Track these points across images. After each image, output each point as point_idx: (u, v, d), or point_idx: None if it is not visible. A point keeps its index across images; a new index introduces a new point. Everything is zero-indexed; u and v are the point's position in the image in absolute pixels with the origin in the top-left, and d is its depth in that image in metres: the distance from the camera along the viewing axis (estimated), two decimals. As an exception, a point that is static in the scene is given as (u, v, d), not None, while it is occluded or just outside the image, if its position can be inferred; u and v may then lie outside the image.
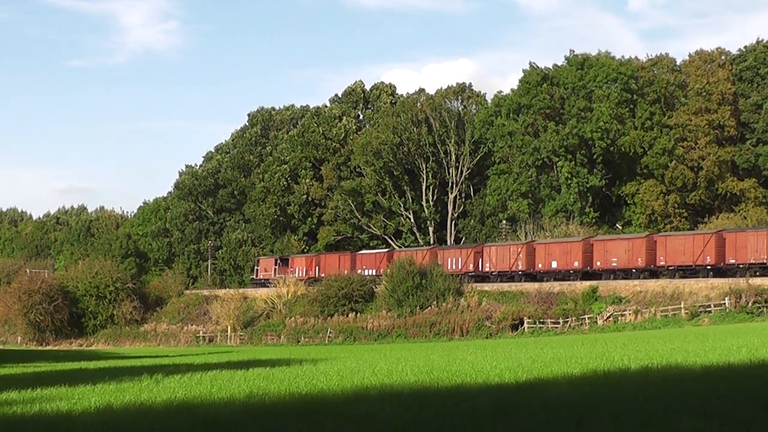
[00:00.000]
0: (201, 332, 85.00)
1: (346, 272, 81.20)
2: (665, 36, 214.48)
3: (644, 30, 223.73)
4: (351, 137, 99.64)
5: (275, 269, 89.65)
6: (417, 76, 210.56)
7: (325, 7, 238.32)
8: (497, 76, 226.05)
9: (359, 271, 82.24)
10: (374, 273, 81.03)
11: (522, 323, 65.97)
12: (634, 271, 66.69)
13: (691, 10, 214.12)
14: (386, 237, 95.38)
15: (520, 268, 72.98)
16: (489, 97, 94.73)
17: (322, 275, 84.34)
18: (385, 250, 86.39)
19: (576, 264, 69.49)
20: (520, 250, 73.17)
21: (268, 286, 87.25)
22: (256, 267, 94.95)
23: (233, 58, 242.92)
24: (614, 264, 67.55)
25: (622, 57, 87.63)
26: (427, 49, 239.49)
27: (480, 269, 75.74)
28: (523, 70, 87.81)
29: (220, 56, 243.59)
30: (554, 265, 70.94)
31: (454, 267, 76.17)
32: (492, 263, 74.86)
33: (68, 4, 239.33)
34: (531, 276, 72.82)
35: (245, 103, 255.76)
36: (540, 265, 71.80)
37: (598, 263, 68.39)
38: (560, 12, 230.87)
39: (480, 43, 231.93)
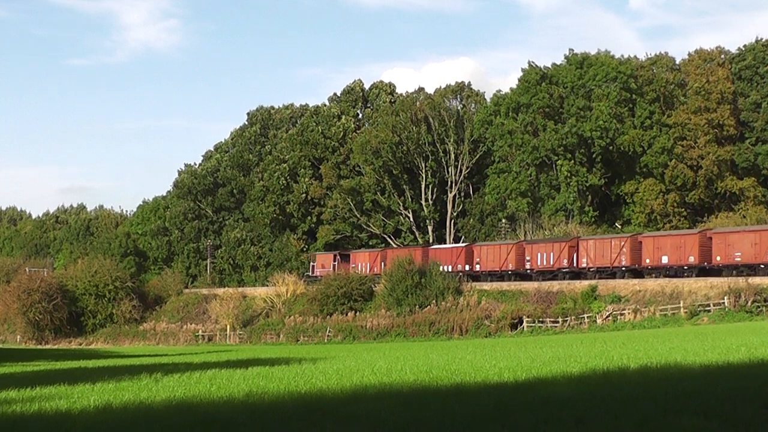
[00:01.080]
0: (200, 331, 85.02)
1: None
2: (666, 35, 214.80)
3: (645, 28, 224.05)
4: (350, 136, 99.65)
5: (334, 265, 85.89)
6: (418, 74, 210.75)
7: (325, 6, 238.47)
8: (498, 75, 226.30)
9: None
10: (451, 269, 76.44)
11: (521, 322, 65.99)
12: (762, 266, 60.20)
13: (691, 8, 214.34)
14: (385, 236, 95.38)
15: (623, 263, 67.50)
16: (491, 96, 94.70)
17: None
18: (464, 244, 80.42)
19: (691, 259, 64.10)
20: (623, 243, 67.53)
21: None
22: (311, 263, 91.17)
23: (234, 57, 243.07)
24: (738, 259, 61.60)
25: (622, 56, 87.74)
26: (428, 47, 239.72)
27: (576, 265, 69.77)
28: (522, 69, 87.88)
29: (220, 55, 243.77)
30: (665, 260, 65.42)
31: (545, 263, 71.02)
32: (590, 258, 68.71)
33: (69, 3, 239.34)
34: (637, 273, 67.15)
35: (245, 103, 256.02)
36: (647, 261, 66.21)
37: (718, 258, 62.56)
38: (561, 10, 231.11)
39: (481, 41, 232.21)
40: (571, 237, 72.97)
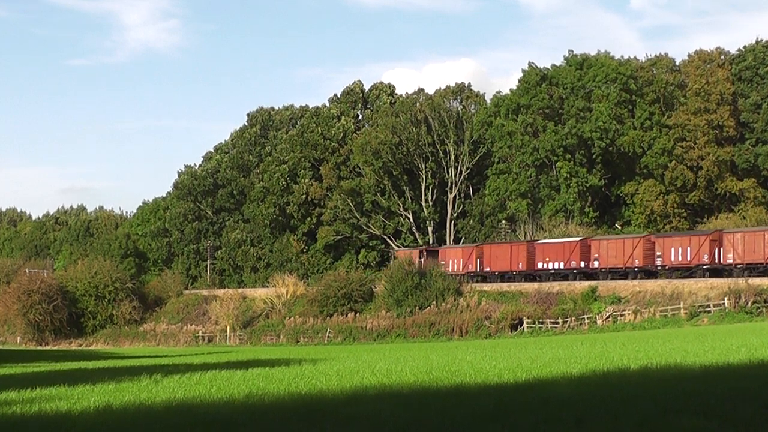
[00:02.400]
0: (200, 332, 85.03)
1: (521, 266, 73.30)
2: (667, 35, 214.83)
3: (646, 28, 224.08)
4: (350, 137, 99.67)
5: (420, 262, 79.34)
6: (418, 75, 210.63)
7: (326, 6, 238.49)
8: (500, 75, 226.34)
9: (540, 264, 72.32)
10: (562, 266, 70.66)
11: (521, 323, 66.00)
12: None
13: (693, 8, 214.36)
14: (385, 237, 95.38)
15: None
16: (492, 97, 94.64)
17: (487, 269, 75.86)
18: (579, 238, 72.48)
19: None
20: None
21: None
22: (395, 259, 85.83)
23: (234, 58, 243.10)
24: None
25: (621, 57, 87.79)
26: (429, 48, 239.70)
27: (719, 260, 63.76)
28: (523, 70, 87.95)
29: (220, 55, 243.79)
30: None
31: (680, 258, 64.74)
32: (737, 253, 62.43)
33: (69, 3, 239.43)
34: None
35: (245, 103, 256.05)
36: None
37: None
38: (562, 10, 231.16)
39: (482, 42, 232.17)
40: (712, 230, 65.98)
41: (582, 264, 69.55)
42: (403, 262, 78.50)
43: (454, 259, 78.41)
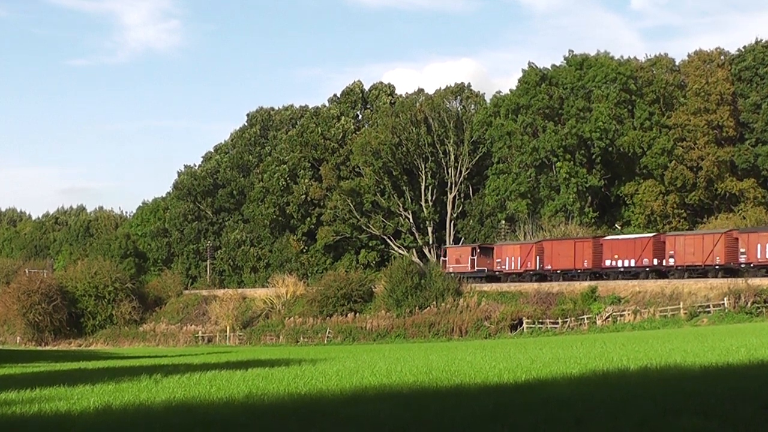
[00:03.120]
0: (200, 332, 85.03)
1: (586, 263, 68.93)
2: (668, 35, 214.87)
3: (647, 29, 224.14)
4: (350, 137, 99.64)
5: (473, 260, 76.09)
6: (419, 75, 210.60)
7: (327, 6, 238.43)
8: (500, 76, 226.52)
9: (608, 262, 68.21)
10: (633, 264, 66.65)
11: (521, 323, 66.02)
12: None
13: (694, 8, 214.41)
14: (385, 237, 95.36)
15: None
16: (492, 97, 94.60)
17: (548, 267, 71.48)
18: (650, 234, 68.54)
19: None
20: None
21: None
22: (442, 258, 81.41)
23: (234, 58, 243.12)
24: None
25: (621, 57, 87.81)
26: (430, 48, 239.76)
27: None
28: (522, 70, 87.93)
29: (220, 56, 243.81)
30: None
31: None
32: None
33: (69, 4, 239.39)
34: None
35: (246, 103, 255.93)
36: None
37: None
38: (563, 11, 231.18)
39: (483, 42, 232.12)
40: None
41: (655, 261, 65.48)
42: (449, 261, 76.64)
43: (511, 257, 74.13)
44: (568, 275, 70.29)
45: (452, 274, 75.39)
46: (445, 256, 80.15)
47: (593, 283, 67.38)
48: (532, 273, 72.32)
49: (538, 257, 72.07)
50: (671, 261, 64.76)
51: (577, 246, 70.14)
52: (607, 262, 67.91)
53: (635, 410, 11.09)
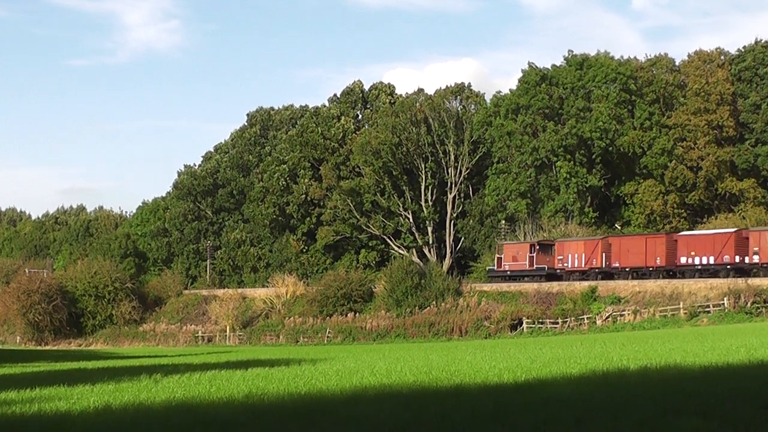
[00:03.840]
0: (200, 332, 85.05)
1: (658, 261, 65.53)
2: (669, 35, 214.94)
3: (648, 29, 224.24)
4: (350, 137, 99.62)
5: (531, 258, 72.10)
6: (420, 75, 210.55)
7: (327, 6, 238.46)
8: (501, 76, 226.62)
9: (683, 259, 64.52)
10: (712, 261, 63.15)
11: (521, 323, 66.02)
12: None
13: (695, 8, 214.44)
14: (385, 237, 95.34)
15: None
16: (492, 97, 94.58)
17: (615, 265, 67.87)
18: (732, 229, 64.75)
19: None
20: None
21: (514, 280, 72.90)
22: (497, 255, 76.72)
23: (234, 58, 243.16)
24: None
25: (621, 57, 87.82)
26: (430, 48, 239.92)
27: None
28: (522, 70, 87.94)
29: (221, 56, 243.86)
30: None
31: None
32: None
33: (69, 3, 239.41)
34: None
35: (246, 103, 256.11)
36: None
37: None
38: (564, 11, 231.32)
39: (483, 42, 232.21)
40: None
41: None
42: (505, 258, 73.29)
43: (574, 254, 70.26)
44: (638, 273, 66.82)
45: (508, 273, 73.03)
46: (500, 253, 75.90)
47: (593, 283, 67.38)
48: (597, 271, 68.75)
49: (604, 254, 68.40)
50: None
51: (649, 242, 66.70)
52: (683, 260, 64.36)
53: (635, 410, 11.10)
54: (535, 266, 72.10)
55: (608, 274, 68.40)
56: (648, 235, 68.65)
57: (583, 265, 69.35)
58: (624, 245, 67.97)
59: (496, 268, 75.32)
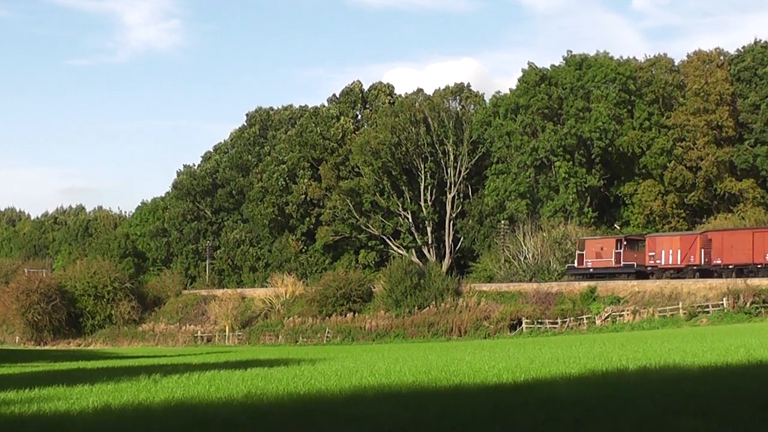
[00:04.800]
0: (199, 332, 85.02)
1: (767, 257, 59.81)
2: (669, 35, 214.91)
3: (648, 29, 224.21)
4: (349, 137, 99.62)
5: (618, 254, 67.41)
6: (420, 75, 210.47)
7: (328, 6, 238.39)
8: (502, 76, 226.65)
9: None
10: None
11: (520, 323, 66.01)
12: None
13: (696, 8, 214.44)
14: (384, 237, 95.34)
15: None
16: (491, 96, 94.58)
17: (717, 261, 62.45)
18: None
19: None
20: None
21: (599, 278, 68.24)
22: (577, 251, 71.57)
23: (235, 58, 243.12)
24: None
25: (621, 57, 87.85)
26: (431, 48, 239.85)
27: None
28: (522, 70, 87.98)
29: (221, 55, 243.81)
30: None
31: None
32: None
33: (70, 3, 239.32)
34: None
35: (246, 103, 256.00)
36: None
37: None
38: (564, 11, 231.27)
39: (484, 42, 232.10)
40: None
41: None
42: (587, 254, 68.99)
43: (668, 250, 65.23)
44: (744, 271, 60.98)
45: (591, 270, 68.85)
46: (581, 249, 70.73)
47: (592, 283, 67.37)
48: (695, 268, 63.81)
49: (703, 250, 63.24)
50: None
51: (757, 237, 60.62)
52: None
53: (634, 410, 11.10)
54: (622, 263, 67.41)
55: (707, 272, 63.33)
56: (756, 229, 62.78)
57: (678, 262, 64.55)
58: (727, 240, 62.30)
59: (576, 265, 70.65)
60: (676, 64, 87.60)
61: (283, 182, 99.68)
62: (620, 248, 67.74)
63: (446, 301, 71.60)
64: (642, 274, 66.85)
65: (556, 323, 64.29)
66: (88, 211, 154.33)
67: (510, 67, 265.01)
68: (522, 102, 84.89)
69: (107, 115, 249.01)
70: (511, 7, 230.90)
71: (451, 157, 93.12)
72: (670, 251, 65.18)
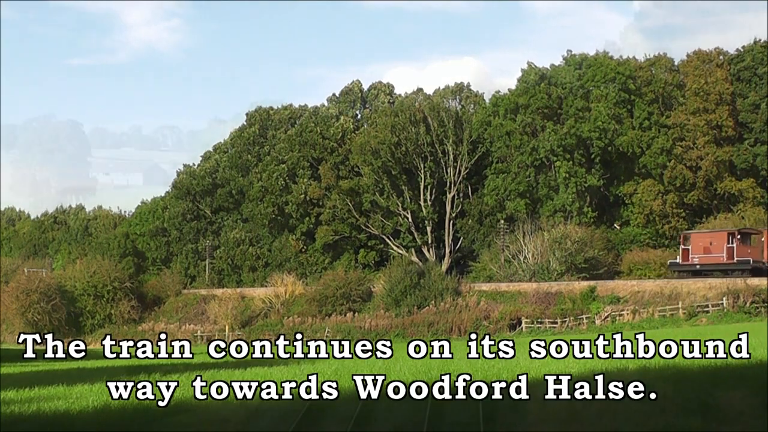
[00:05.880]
0: (199, 332, 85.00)
1: None
2: (671, 35, 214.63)
3: (650, 29, 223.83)
4: (349, 137, 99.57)
5: (730, 249, 61.88)
6: (421, 74, 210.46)
7: (329, 6, 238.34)
8: (503, 75, 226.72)
9: None
10: None
11: (520, 323, 66.01)
12: None
13: (696, 9, 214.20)
14: (384, 236, 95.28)
15: None
16: (491, 96, 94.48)
17: None
18: None
19: None
20: None
21: (706, 275, 62.85)
22: (681, 246, 66.56)
23: (235, 57, 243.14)
24: None
25: (620, 57, 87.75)
26: (431, 47, 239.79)
27: None
28: (522, 70, 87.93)
29: (222, 55, 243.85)
30: None
31: None
32: None
33: (71, 3, 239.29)
34: None
35: (246, 103, 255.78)
36: None
37: None
38: (566, 11, 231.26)
39: (485, 41, 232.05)
40: None
41: None
42: (693, 250, 63.62)
43: None
44: None
45: (698, 267, 63.61)
46: (686, 244, 65.49)
47: (592, 282, 67.36)
48: None
49: None
50: None
51: None
52: None
53: (634, 410, 11.10)
54: (735, 259, 61.62)
55: None
56: None
57: None
58: None
59: (680, 261, 65.22)
60: (675, 63, 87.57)
61: (282, 182, 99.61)
62: (733, 243, 61.93)
63: (446, 300, 71.59)
64: (758, 271, 60.83)
65: (556, 323, 64.30)
66: (87, 210, 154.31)
67: (511, 66, 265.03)
68: (522, 102, 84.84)
69: (107, 115, 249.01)
70: (511, 7, 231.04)
71: (451, 157, 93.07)
72: None
